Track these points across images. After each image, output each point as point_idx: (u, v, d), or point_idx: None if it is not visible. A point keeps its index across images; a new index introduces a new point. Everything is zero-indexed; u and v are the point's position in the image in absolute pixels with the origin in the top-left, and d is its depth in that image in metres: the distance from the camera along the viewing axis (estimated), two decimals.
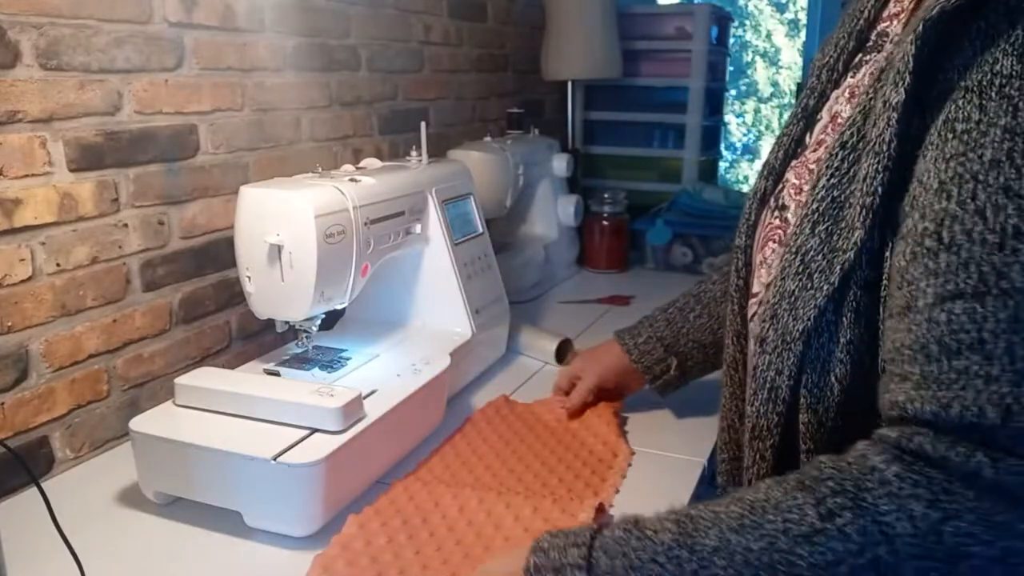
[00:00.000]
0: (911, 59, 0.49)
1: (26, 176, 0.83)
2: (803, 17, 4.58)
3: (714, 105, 2.10)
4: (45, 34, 0.83)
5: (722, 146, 2.47)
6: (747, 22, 5.78)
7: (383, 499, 0.79)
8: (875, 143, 0.51)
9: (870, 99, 0.54)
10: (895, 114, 0.49)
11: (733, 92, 5.30)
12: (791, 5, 5.76)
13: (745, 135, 5.89)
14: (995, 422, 0.42)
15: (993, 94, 0.45)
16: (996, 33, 0.46)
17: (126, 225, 0.95)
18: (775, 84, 5.86)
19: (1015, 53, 0.45)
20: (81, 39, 0.87)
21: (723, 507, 0.50)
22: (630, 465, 0.88)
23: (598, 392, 0.99)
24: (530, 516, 0.74)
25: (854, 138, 0.54)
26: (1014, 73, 0.45)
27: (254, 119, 1.12)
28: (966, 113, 0.46)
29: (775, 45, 5.86)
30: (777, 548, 0.46)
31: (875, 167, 0.50)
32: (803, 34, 3.80)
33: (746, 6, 5.74)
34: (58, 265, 0.87)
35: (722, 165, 2.94)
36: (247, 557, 0.73)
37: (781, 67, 5.84)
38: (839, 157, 0.55)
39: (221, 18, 1.05)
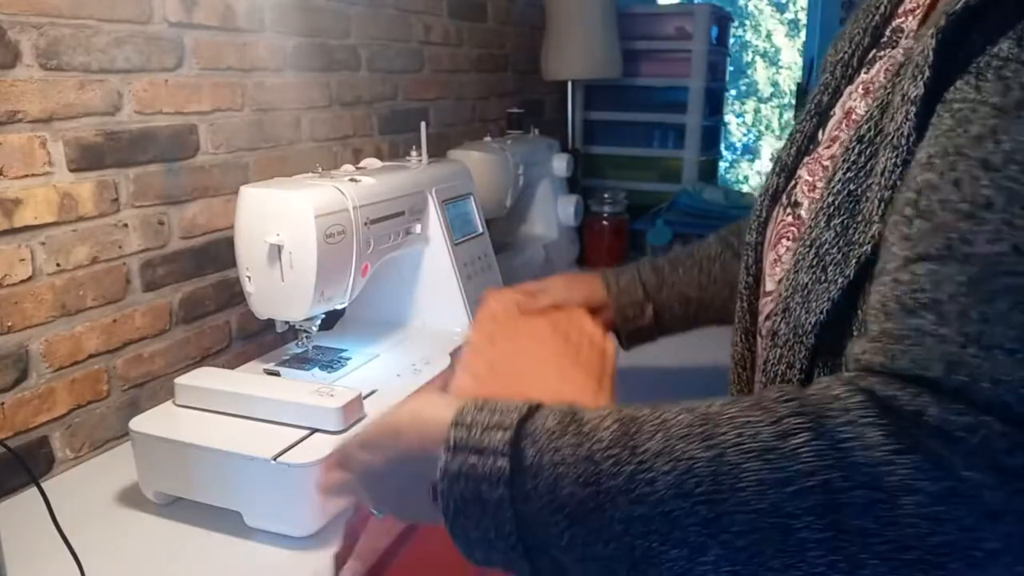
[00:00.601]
0: (931, 53, 0.49)
1: (26, 176, 0.83)
2: (803, 17, 4.58)
3: (714, 105, 2.10)
4: (45, 34, 0.83)
5: (722, 146, 2.47)
6: (747, 22, 5.78)
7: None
8: (893, 136, 0.51)
9: (888, 93, 0.54)
10: (913, 107, 0.50)
11: (733, 92, 5.30)
12: (791, 5, 5.76)
13: (745, 135, 5.89)
14: (938, 375, 0.43)
15: (989, 75, 0.46)
16: (1005, 24, 0.46)
17: (126, 225, 0.95)
18: (775, 84, 5.86)
19: (1015, 37, 0.46)
20: (81, 39, 0.87)
21: (672, 414, 0.48)
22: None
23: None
24: None
25: (871, 132, 0.54)
26: (1011, 56, 0.45)
27: (254, 119, 1.12)
28: (963, 94, 0.47)
29: (775, 45, 5.86)
30: (726, 460, 0.45)
31: (892, 161, 0.50)
32: (803, 34, 3.80)
33: (746, 6, 5.74)
34: (58, 265, 0.87)
35: (722, 165, 2.95)
36: (247, 557, 0.73)
37: (781, 67, 5.85)
38: (856, 151, 0.55)
39: (221, 18, 1.05)
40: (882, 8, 0.63)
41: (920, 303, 0.45)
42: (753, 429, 0.46)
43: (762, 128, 5.88)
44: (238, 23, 1.07)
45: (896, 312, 0.46)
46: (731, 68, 2.58)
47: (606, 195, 1.76)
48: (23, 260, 0.84)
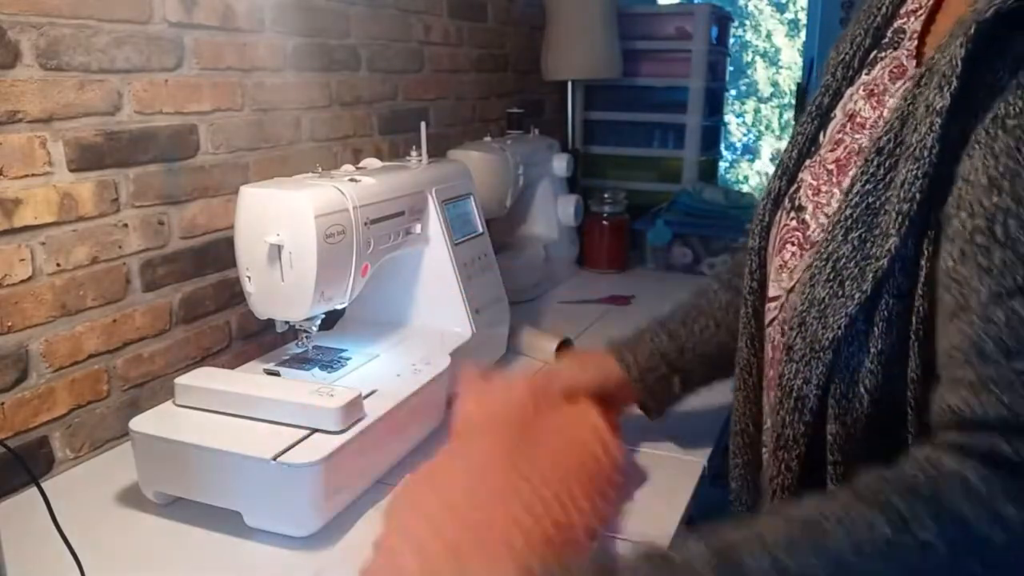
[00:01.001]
0: (959, 63, 0.47)
1: (26, 176, 0.83)
2: (803, 17, 4.57)
3: (714, 105, 2.10)
4: (45, 34, 0.83)
5: (722, 146, 2.47)
6: (747, 22, 5.78)
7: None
8: (915, 148, 0.49)
9: (909, 104, 0.53)
10: (939, 119, 0.48)
11: (733, 92, 5.29)
12: (791, 5, 5.75)
13: (745, 135, 5.88)
14: None
15: None
16: None
17: (126, 225, 0.95)
18: (775, 84, 5.85)
19: None
20: (81, 39, 0.87)
21: (761, 526, 0.43)
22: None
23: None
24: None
25: (891, 144, 0.53)
26: None
27: (254, 119, 1.12)
28: (1017, 109, 0.45)
29: (775, 45, 5.86)
30: (845, 566, 0.40)
31: (914, 173, 0.49)
32: (803, 34, 3.80)
33: (746, 6, 5.74)
34: (58, 265, 0.87)
35: (722, 165, 2.95)
36: (247, 557, 0.73)
37: (781, 67, 5.84)
38: (875, 163, 0.54)
39: (221, 18, 1.05)
40: (883, 9, 0.62)
41: None
42: (867, 525, 0.41)
43: (762, 128, 5.88)
44: (238, 23, 1.07)
45: (996, 354, 0.42)
46: (731, 68, 2.58)
47: (606, 195, 1.76)
48: (23, 260, 0.84)
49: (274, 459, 0.72)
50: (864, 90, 0.61)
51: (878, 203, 0.53)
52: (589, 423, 0.81)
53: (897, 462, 0.44)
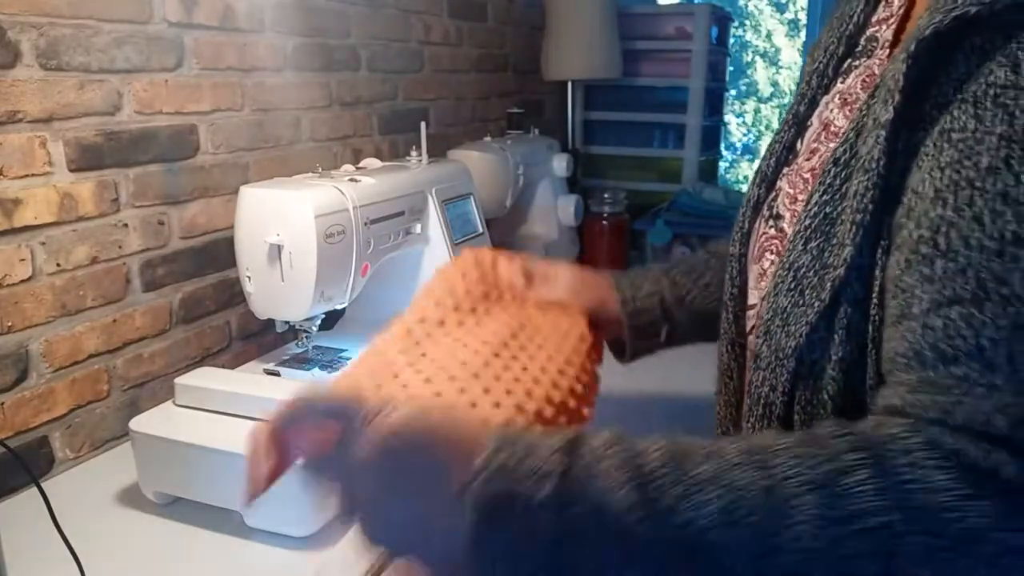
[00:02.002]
0: (902, 78, 0.48)
1: (26, 176, 0.83)
2: (803, 17, 4.58)
3: (714, 105, 2.10)
4: (45, 34, 0.83)
5: (722, 146, 2.47)
6: (747, 22, 5.78)
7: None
8: (865, 160, 0.51)
9: (863, 115, 0.54)
10: (883, 132, 0.49)
11: (733, 92, 5.29)
12: (791, 5, 5.76)
13: (745, 135, 5.89)
14: (1003, 432, 0.41)
15: (988, 103, 0.45)
16: (992, 47, 0.46)
17: (126, 225, 0.95)
18: (775, 84, 5.86)
19: (1009, 64, 0.45)
20: (81, 39, 0.87)
21: (722, 443, 0.45)
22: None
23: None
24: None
25: (847, 154, 0.54)
26: (1008, 83, 0.44)
27: (254, 119, 1.12)
28: (962, 123, 0.46)
29: (775, 45, 5.86)
30: (782, 492, 0.42)
31: (865, 184, 0.50)
32: (803, 34, 3.81)
33: (746, 6, 5.74)
34: (58, 265, 0.87)
35: (722, 165, 2.95)
36: (247, 557, 0.73)
37: (781, 67, 5.84)
38: (832, 173, 0.55)
39: (221, 18, 1.05)
40: (855, 17, 0.62)
41: (962, 351, 0.43)
42: (810, 462, 0.43)
43: (762, 128, 5.88)
44: (238, 23, 1.07)
45: (934, 360, 0.44)
46: (731, 68, 2.58)
47: (606, 195, 1.76)
48: (23, 260, 0.84)
49: None
50: (839, 99, 0.62)
51: (835, 213, 0.54)
52: (579, 331, 0.75)
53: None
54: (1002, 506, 0.40)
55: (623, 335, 0.83)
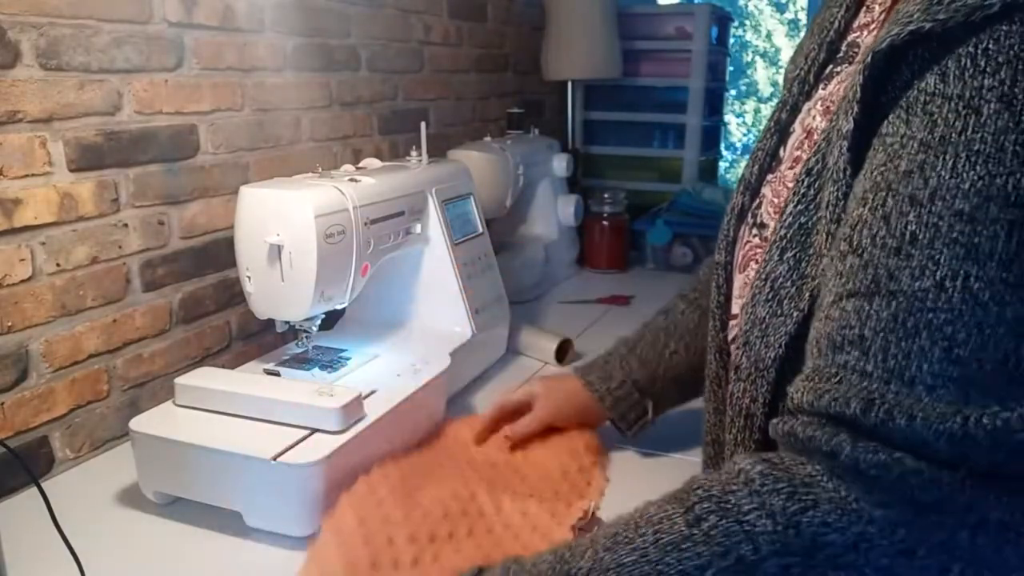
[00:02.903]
0: (859, 89, 0.49)
1: (26, 176, 0.83)
2: (803, 17, 4.58)
3: (714, 105, 2.10)
4: (45, 34, 0.83)
5: (722, 146, 2.47)
6: (747, 22, 5.78)
7: (376, 474, 0.78)
8: (832, 171, 0.52)
9: (833, 126, 0.54)
10: (845, 142, 0.50)
11: (733, 92, 5.29)
12: (791, 5, 5.76)
13: (745, 135, 5.89)
14: (856, 413, 0.43)
15: (918, 110, 0.46)
16: (931, 58, 0.47)
17: (126, 225, 0.95)
18: (775, 84, 5.85)
19: (939, 73, 0.46)
20: (81, 39, 0.87)
21: (601, 530, 0.51)
22: (603, 495, 0.83)
23: (547, 429, 0.91)
24: (518, 516, 0.74)
25: (818, 164, 0.55)
26: (936, 91, 0.46)
27: (254, 119, 1.12)
28: (894, 128, 0.47)
29: (775, 45, 5.86)
30: (648, 559, 0.47)
31: (835, 194, 0.51)
32: (803, 34, 3.80)
33: (746, 6, 5.74)
34: (58, 265, 0.87)
35: (722, 165, 2.94)
36: (247, 557, 0.73)
37: (781, 67, 5.84)
38: (805, 183, 0.55)
39: (221, 18, 1.05)
40: (836, 23, 0.62)
41: (847, 339, 0.45)
42: (669, 523, 0.47)
43: (762, 128, 5.88)
44: (238, 23, 1.07)
45: (826, 349, 0.47)
46: (731, 68, 2.58)
47: (606, 195, 1.76)
48: (23, 260, 0.84)
49: (274, 459, 0.72)
50: (821, 105, 0.61)
51: (810, 223, 0.54)
52: (583, 441, 0.90)
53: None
54: (834, 509, 0.43)
55: (614, 421, 0.90)
